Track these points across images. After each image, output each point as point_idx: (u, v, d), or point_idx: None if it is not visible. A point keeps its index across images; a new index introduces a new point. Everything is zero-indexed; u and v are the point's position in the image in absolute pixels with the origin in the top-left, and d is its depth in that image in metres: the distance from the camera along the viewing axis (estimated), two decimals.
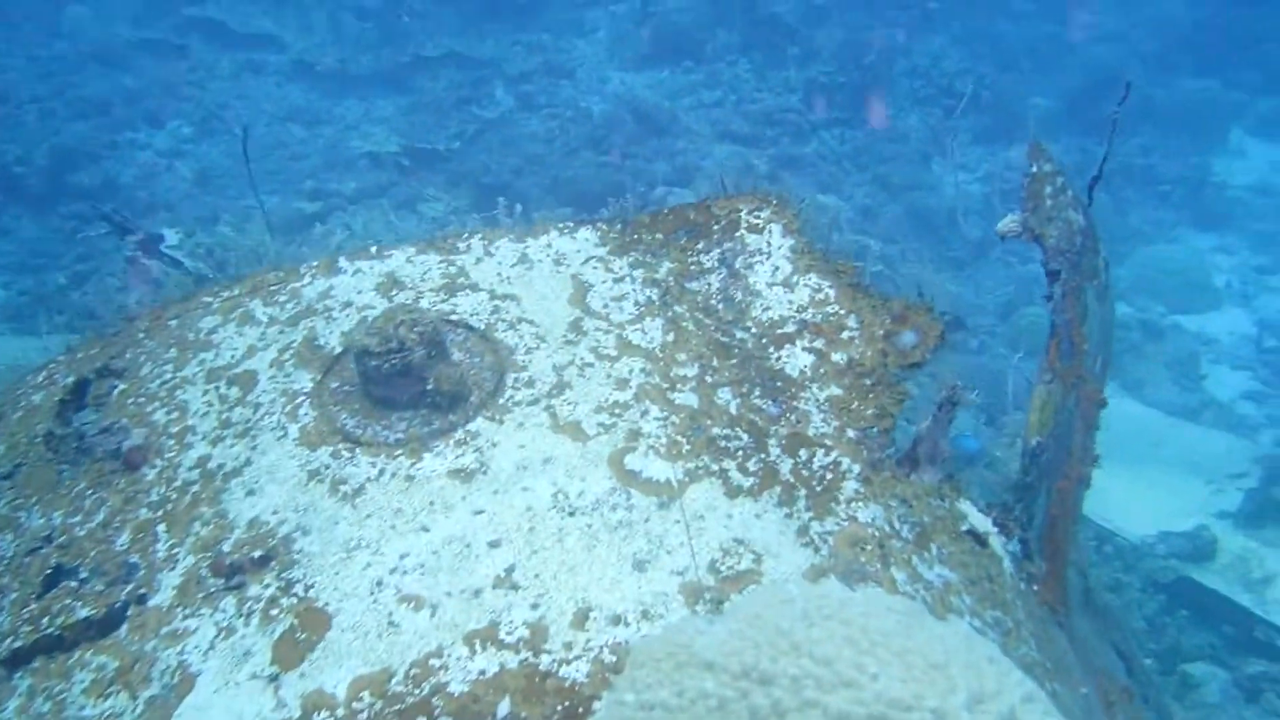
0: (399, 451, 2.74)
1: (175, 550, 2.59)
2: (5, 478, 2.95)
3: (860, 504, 2.60)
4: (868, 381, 2.95)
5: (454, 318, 3.22)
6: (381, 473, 2.68)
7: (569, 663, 2.16)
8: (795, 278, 3.30)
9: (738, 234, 3.46)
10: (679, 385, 2.92)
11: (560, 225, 3.66)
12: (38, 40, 15.79)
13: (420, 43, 15.79)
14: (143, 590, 2.52)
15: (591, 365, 3.00)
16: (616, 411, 2.82)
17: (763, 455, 2.71)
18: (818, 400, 2.92)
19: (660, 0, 16.58)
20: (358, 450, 2.76)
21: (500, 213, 6.39)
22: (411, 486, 2.63)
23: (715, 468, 2.65)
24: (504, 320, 3.21)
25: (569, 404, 2.86)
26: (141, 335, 3.35)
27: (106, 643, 2.42)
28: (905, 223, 12.38)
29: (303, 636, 2.29)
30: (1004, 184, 13.33)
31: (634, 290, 3.31)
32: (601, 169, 12.34)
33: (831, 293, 3.23)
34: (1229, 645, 6.94)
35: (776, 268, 3.34)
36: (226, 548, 2.55)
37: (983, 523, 2.75)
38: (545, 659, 2.16)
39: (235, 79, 15.41)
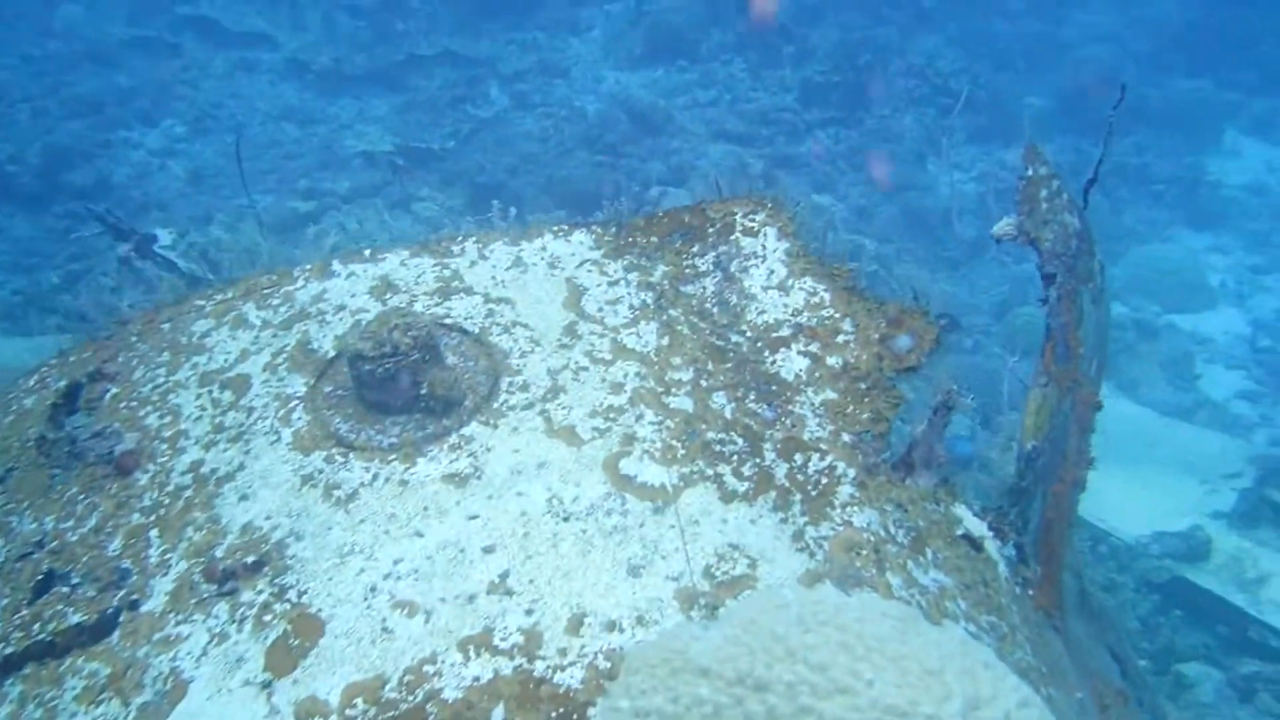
0: (393, 456, 2.73)
1: (168, 556, 2.58)
2: None
3: (855, 508, 2.59)
4: (863, 385, 2.94)
5: (448, 321, 3.21)
6: (375, 478, 2.67)
7: (563, 669, 2.15)
8: (790, 281, 3.29)
9: (733, 237, 3.45)
10: (674, 389, 2.91)
11: (555, 228, 3.65)
12: (31, 39, 15.74)
13: (415, 41, 15.77)
14: (135, 596, 2.50)
15: (586, 369, 2.99)
16: (611, 416, 2.82)
17: (758, 460, 2.70)
18: (813, 404, 2.92)
19: None
20: (351, 455, 2.75)
21: (495, 215, 6.37)
22: (405, 491, 2.62)
23: (710, 472, 2.64)
24: (498, 324, 3.20)
25: (564, 408, 2.85)
26: (134, 339, 3.34)
27: (98, 649, 2.41)
28: (900, 222, 12.39)
29: (296, 643, 2.28)
30: (999, 183, 13.34)
31: (629, 294, 3.31)
32: (596, 168, 12.33)
33: (827, 296, 3.22)
34: (1223, 645, 6.96)
35: (772, 271, 3.34)
36: (219, 553, 2.54)
37: (978, 527, 2.75)
38: (540, 665, 2.16)
39: (229, 78, 15.37)
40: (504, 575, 2.36)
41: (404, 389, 2.81)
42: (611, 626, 2.22)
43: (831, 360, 3.04)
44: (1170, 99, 15.92)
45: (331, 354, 3.13)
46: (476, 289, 3.38)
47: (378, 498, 2.61)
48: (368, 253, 3.59)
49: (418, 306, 3.29)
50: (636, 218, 3.66)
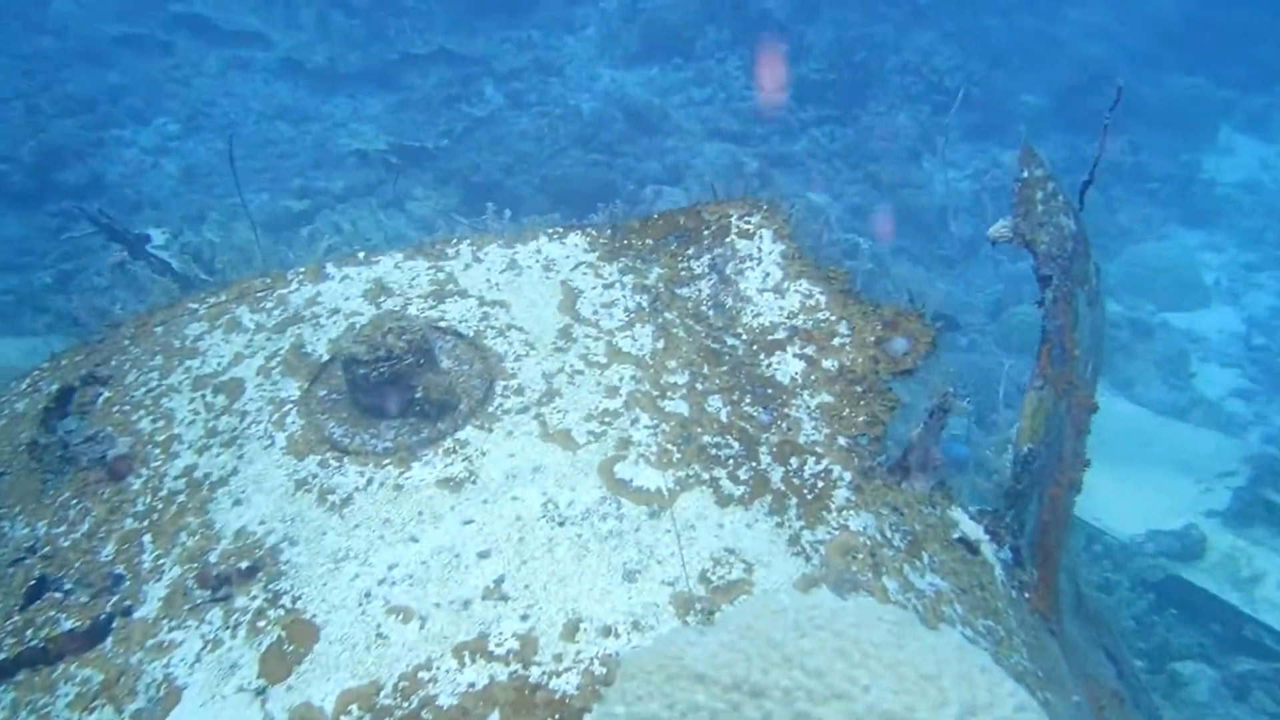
0: (387, 460, 2.72)
1: (161, 561, 2.57)
2: None
3: (851, 512, 2.59)
4: (859, 388, 2.94)
5: (443, 325, 3.20)
6: (370, 482, 2.66)
7: (559, 675, 2.14)
8: (786, 283, 3.28)
9: (728, 239, 3.44)
10: (669, 393, 2.91)
11: (549, 230, 3.64)
12: (23, 36, 15.67)
13: (409, 40, 15.73)
14: (128, 602, 2.49)
15: (581, 373, 2.98)
16: (606, 419, 2.81)
17: (754, 463, 2.70)
18: (809, 407, 2.91)
19: None
20: (346, 459, 2.74)
21: (489, 218, 6.35)
22: (400, 496, 2.61)
23: (706, 476, 2.64)
24: (493, 327, 3.19)
25: (559, 412, 2.84)
26: (127, 342, 3.32)
27: (91, 655, 2.40)
28: (895, 220, 12.39)
29: (290, 649, 2.27)
30: (993, 181, 13.35)
31: (624, 296, 3.30)
32: (592, 167, 12.31)
33: (822, 299, 3.22)
34: (1218, 644, 6.97)
35: (767, 273, 3.33)
36: (213, 559, 2.53)
37: (974, 530, 2.75)
38: (535, 671, 2.15)
39: (222, 76, 15.33)
40: (499, 580, 2.35)
41: (398, 393, 2.80)
42: (607, 632, 2.22)
43: (827, 363, 3.03)
44: (1165, 96, 15.97)
45: (325, 358, 3.11)
46: (471, 292, 3.36)
47: (372, 502, 2.60)
48: (362, 255, 3.57)
49: (412, 310, 3.28)
50: (631, 220, 3.65)
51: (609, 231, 3.60)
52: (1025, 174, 3.10)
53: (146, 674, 2.31)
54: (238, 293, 3.45)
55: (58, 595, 2.54)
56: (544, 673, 2.14)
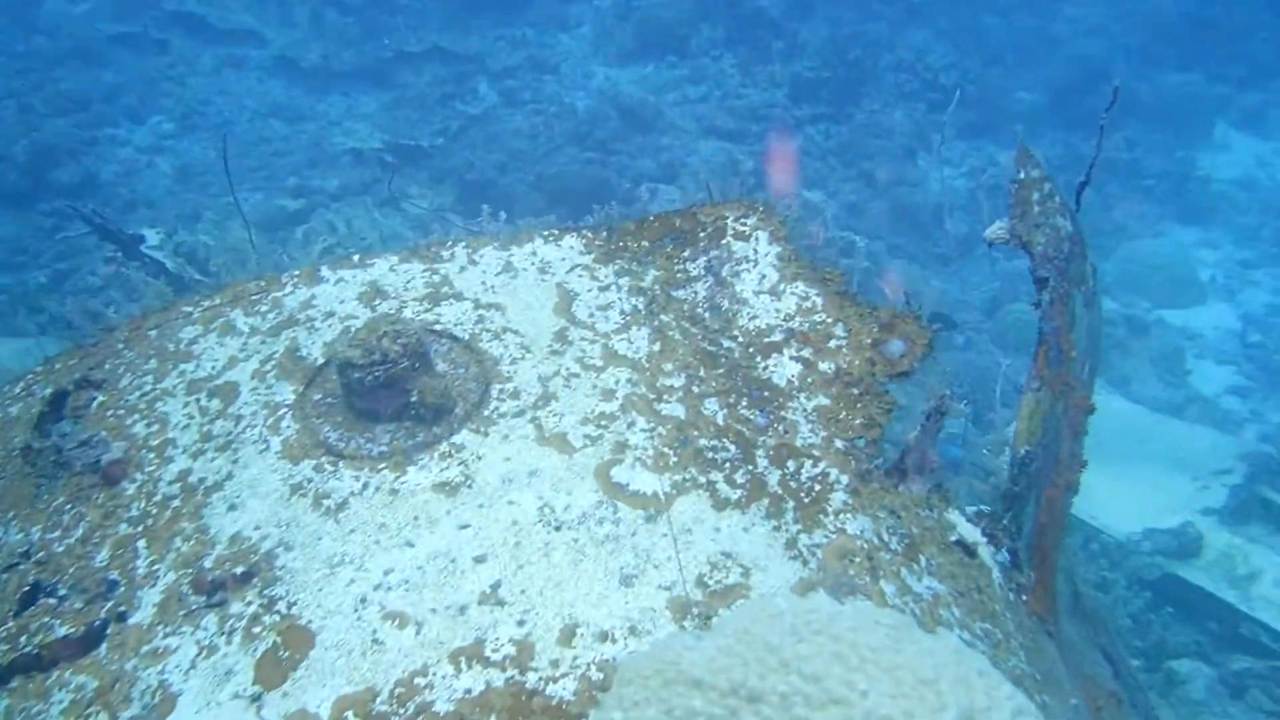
0: (383, 465, 2.71)
1: (156, 567, 2.56)
2: None
3: (849, 515, 2.58)
4: (855, 391, 2.93)
5: (438, 328, 3.19)
6: (365, 487, 2.65)
7: (556, 680, 2.14)
8: (782, 285, 3.27)
9: (724, 241, 3.44)
10: (666, 396, 2.90)
11: (545, 233, 3.63)
12: (16, 35, 15.62)
13: (403, 38, 15.70)
14: (123, 608, 2.48)
15: (577, 376, 2.97)
16: (603, 423, 2.80)
17: (750, 467, 2.69)
18: (805, 410, 2.90)
19: None
20: (341, 464, 2.73)
21: (484, 219, 6.34)
22: (396, 501, 2.60)
23: (703, 480, 2.63)
24: (489, 330, 3.18)
25: (555, 415, 2.84)
26: (121, 346, 3.31)
27: (86, 662, 2.39)
28: (891, 218, 12.39)
29: (286, 655, 2.26)
30: (989, 179, 13.36)
31: (620, 299, 3.29)
32: (586, 165, 12.30)
33: (819, 301, 3.21)
34: (1214, 642, 6.98)
35: (763, 275, 3.32)
36: (208, 564, 2.52)
37: (971, 533, 2.74)
38: (532, 677, 2.14)
39: (216, 74, 15.29)
40: (495, 585, 2.34)
41: (393, 397, 2.79)
42: (604, 637, 2.21)
43: (824, 365, 3.03)
44: (1160, 93, 15.97)
45: (320, 361, 3.10)
46: (466, 295, 3.35)
47: (368, 507, 2.59)
48: (357, 258, 3.56)
49: (407, 313, 3.27)
50: (627, 222, 3.64)
51: (604, 234, 3.59)
52: (1022, 175, 3.10)
53: (141, 680, 2.30)
54: (232, 296, 3.44)
55: (52, 601, 2.53)
56: (541, 678, 2.14)
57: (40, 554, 2.66)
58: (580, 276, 3.41)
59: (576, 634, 2.22)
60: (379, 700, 2.13)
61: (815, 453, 2.76)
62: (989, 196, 12.82)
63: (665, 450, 2.71)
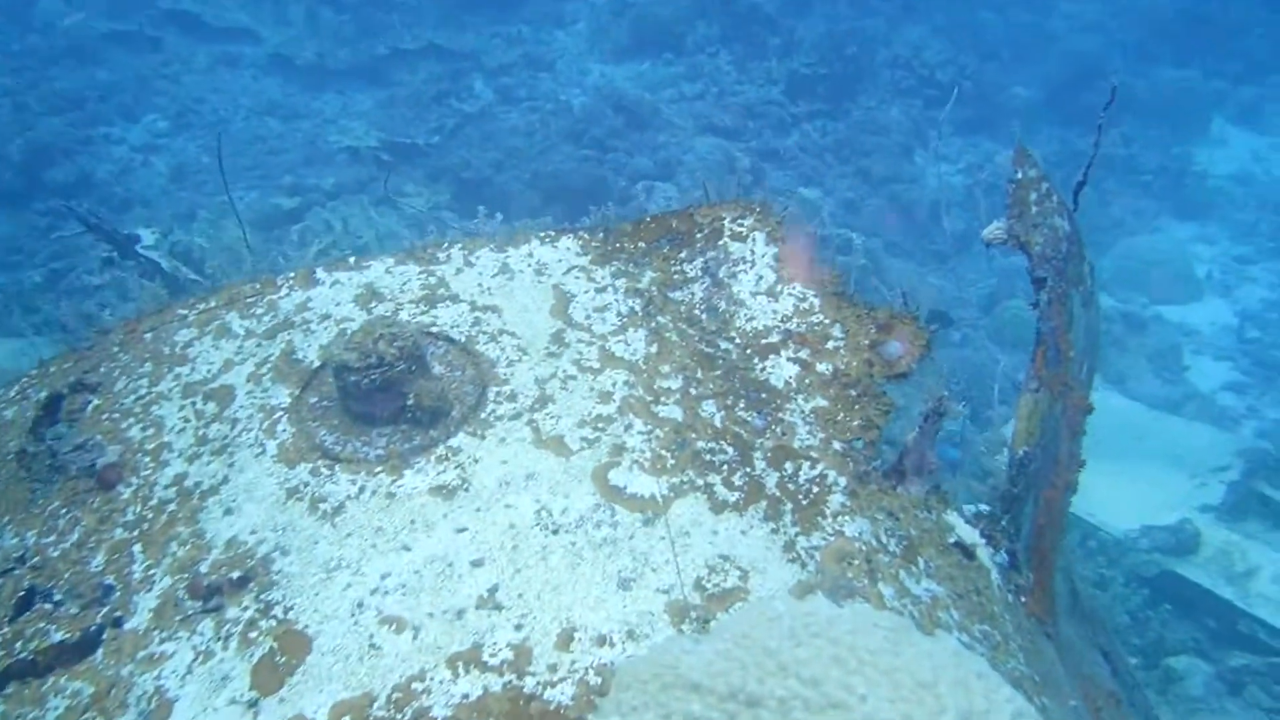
0: (379, 468, 2.70)
1: (152, 571, 2.55)
2: None
3: (847, 518, 2.57)
4: (853, 392, 2.92)
5: (434, 330, 3.18)
6: (361, 490, 2.64)
7: (553, 685, 2.13)
8: (780, 287, 3.26)
9: (721, 242, 3.42)
10: (663, 398, 2.89)
11: (541, 234, 3.61)
12: (10, 34, 15.58)
13: (399, 35, 15.68)
14: (118, 613, 2.47)
15: (574, 378, 2.96)
16: (600, 425, 2.79)
17: (748, 469, 2.68)
18: (803, 412, 2.90)
19: None
20: (337, 467, 2.72)
21: (480, 220, 6.33)
22: (392, 504, 2.59)
23: (700, 482, 2.62)
24: (485, 332, 3.17)
25: (552, 418, 2.83)
26: (116, 349, 3.29)
27: (81, 668, 2.37)
28: (887, 215, 12.38)
29: (282, 660, 2.25)
30: (986, 176, 13.36)
31: (616, 301, 3.28)
32: (582, 163, 12.28)
33: (816, 302, 3.20)
34: (1212, 638, 6.99)
35: (760, 277, 3.31)
36: (204, 569, 2.51)
37: (970, 534, 2.74)
38: (529, 681, 2.13)
39: (210, 73, 15.27)
40: (493, 590, 2.33)
41: (390, 400, 2.78)
42: (602, 641, 2.20)
43: (821, 367, 3.02)
44: (1157, 89, 15.99)
45: (316, 364, 3.09)
46: (463, 297, 3.34)
47: (364, 511, 2.58)
48: (353, 260, 3.55)
49: (403, 315, 3.25)
50: (624, 223, 3.63)
51: (601, 235, 3.58)
52: (1019, 175, 3.09)
53: (137, 686, 2.29)
54: (227, 298, 3.42)
55: (47, 606, 2.52)
56: (538, 683, 2.13)
57: (35, 559, 2.65)
58: (577, 278, 3.40)
59: (574, 638, 2.21)
60: (376, 706, 2.12)
61: (813, 454, 2.75)
62: (986, 193, 12.83)
63: (663, 453, 2.70)
